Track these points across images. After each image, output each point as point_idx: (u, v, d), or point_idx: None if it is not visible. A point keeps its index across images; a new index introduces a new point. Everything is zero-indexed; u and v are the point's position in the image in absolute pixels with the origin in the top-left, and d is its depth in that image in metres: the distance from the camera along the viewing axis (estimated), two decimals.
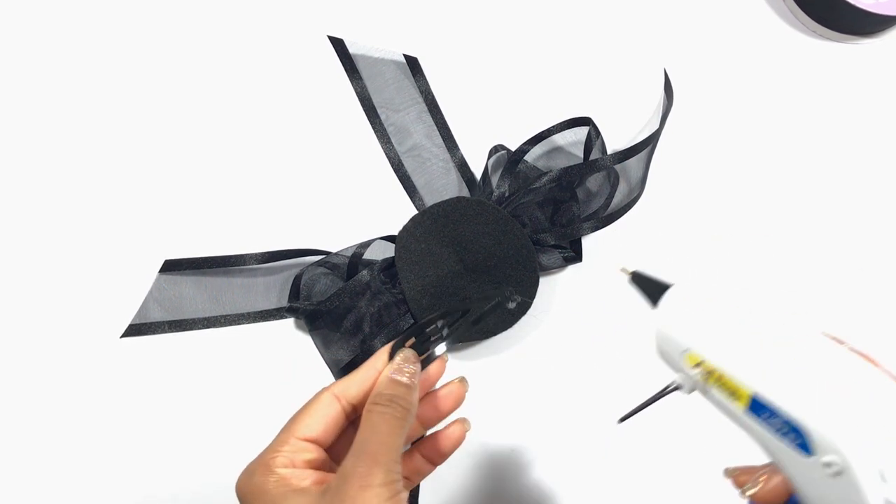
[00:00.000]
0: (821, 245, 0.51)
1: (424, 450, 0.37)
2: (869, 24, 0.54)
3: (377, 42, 0.54)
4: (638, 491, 0.47)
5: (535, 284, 0.46)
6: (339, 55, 0.54)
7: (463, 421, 0.38)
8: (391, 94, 0.53)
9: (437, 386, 0.38)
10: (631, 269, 0.33)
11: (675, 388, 0.31)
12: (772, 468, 0.31)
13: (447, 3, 0.56)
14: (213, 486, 0.47)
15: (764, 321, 0.28)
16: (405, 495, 0.31)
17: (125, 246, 0.50)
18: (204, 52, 0.54)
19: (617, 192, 0.49)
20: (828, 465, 0.24)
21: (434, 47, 0.54)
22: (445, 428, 0.37)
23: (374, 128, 0.53)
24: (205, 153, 0.52)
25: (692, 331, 0.30)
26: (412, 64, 0.53)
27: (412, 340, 0.35)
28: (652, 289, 0.32)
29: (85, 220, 0.51)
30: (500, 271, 0.46)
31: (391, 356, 0.35)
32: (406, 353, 0.34)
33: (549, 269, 0.50)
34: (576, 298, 0.50)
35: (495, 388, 0.48)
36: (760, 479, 0.31)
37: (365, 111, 0.53)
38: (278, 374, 0.48)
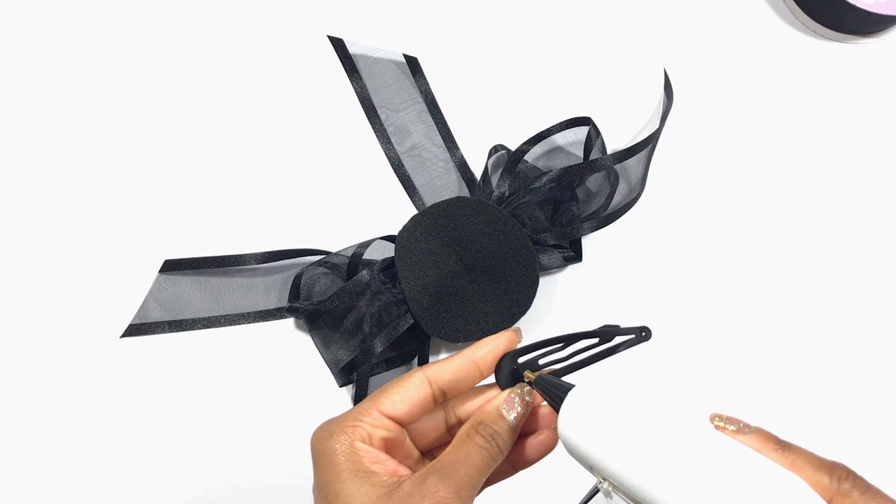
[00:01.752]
0: (820, 244, 0.51)
1: (511, 454, 0.35)
2: (869, 24, 0.54)
3: (377, 42, 0.54)
4: None
5: (535, 284, 0.46)
6: (339, 55, 0.54)
7: (555, 428, 0.35)
8: (391, 93, 0.53)
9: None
10: (534, 375, 0.32)
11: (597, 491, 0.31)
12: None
13: (447, 3, 0.56)
14: (213, 486, 0.47)
15: (660, 424, 0.28)
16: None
17: (125, 246, 0.50)
18: (204, 52, 0.54)
19: (617, 192, 0.49)
20: None
21: (434, 47, 0.54)
22: (537, 434, 0.35)
23: (374, 128, 0.53)
24: (205, 153, 0.52)
25: (592, 443, 0.29)
26: (412, 64, 0.53)
27: (534, 356, 0.34)
28: (555, 392, 0.31)
29: (85, 220, 0.51)
30: (500, 271, 0.46)
31: (501, 369, 0.33)
32: (524, 391, 0.33)
33: (549, 269, 0.50)
34: (576, 298, 0.50)
35: None
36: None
37: (365, 111, 0.53)
38: (278, 374, 0.48)
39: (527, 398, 0.33)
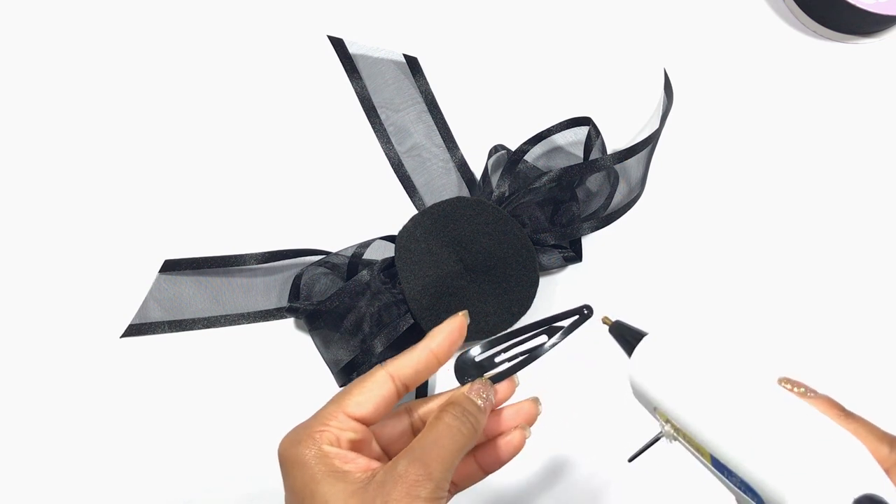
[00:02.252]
0: (820, 244, 0.51)
1: (480, 456, 0.36)
2: (869, 24, 0.54)
3: (377, 42, 0.54)
4: (641, 493, 0.47)
5: (535, 284, 0.46)
6: (339, 55, 0.54)
7: (523, 428, 0.37)
8: (391, 93, 0.53)
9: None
10: (613, 319, 0.34)
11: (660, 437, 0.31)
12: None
13: (447, 3, 0.56)
14: (213, 486, 0.47)
15: (728, 376, 0.29)
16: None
17: (125, 246, 0.50)
18: (204, 52, 0.54)
19: (617, 192, 0.49)
20: None
21: (434, 47, 0.54)
22: (505, 434, 0.36)
23: (374, 128, 0.53)
24: (205, 153, 0.52)
25: (661, 387, 0.30)
26: (412, 64, 0.53)
27: (489, 353, 0.36)
28: (629, 337, 0.33)
29: (85, 221, 0.51)
30: (500, 271, 0.46)
31: (459, 369, 0.35)
32: (483, 382, 0.34)
33: (549, 269, 0.50)
34: (576, 298, 0.50)
35: None
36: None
37: (365, 111, 0.53)
38: (278, 374, 0.48)
39: (487, 386, 0.34)
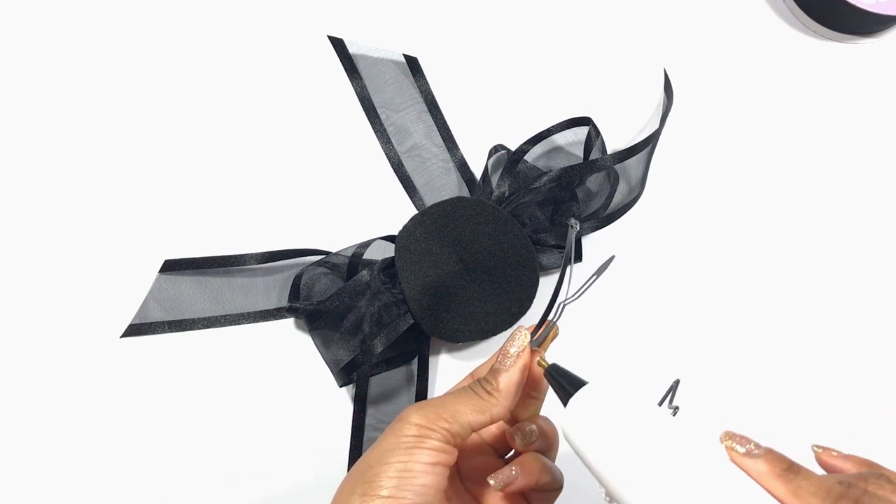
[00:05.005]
0: (821, 244, 0.51)
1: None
2: (869, 24, 0.54)
3: (377, 42, 0.54)
4: None
5: (535, 284, 0.46)
6: (339, 55, 0.54)
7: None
8: (391, 93, 0.53)
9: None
10: (548, 364, 0.32)
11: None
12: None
13: (447, 3, 0.56)
14: (214, 486, 0.47)
15: (667, 435, 0.27)
16: (426, 456, 0.30)
17: (125, 246, 0.50)
18: (204, 52, 0.54)
19: (617, 192, 0.49)
20: None
21: (434, 47, 0.54)
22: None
23: (374, 128, 0.53)
24: (205, 153, 0.52)
25: (594, 450, 0.29)
26: (412, 64, 0.53)
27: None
28: (565, 385, 0.31)
29: (85, 220, 0.51)
30: (500, 271, 0.46)
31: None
32: (513, 335, 0.34)
33: (549, 269, 0.50)
34: (573, 299, 0.50)
35: None
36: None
37: (365, 111, 0.53)
38: (278, 374, 0.48)
39: (517, 342, 0.34)
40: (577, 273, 0.50)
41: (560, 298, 0.34)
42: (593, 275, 0.34)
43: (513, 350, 0.33)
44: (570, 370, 0.32)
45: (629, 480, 0.27)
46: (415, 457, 0.30)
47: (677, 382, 0.31)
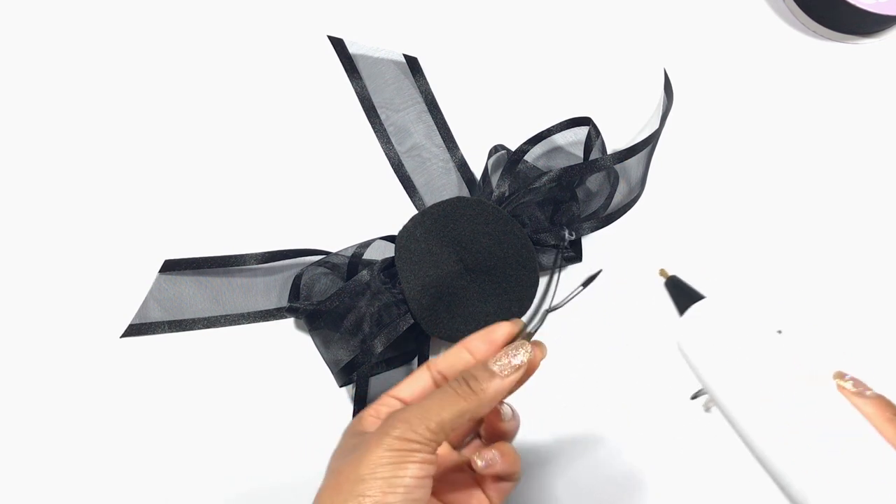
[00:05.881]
0: (820, 245, 0.51)
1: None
2: (869, 24, 0.54)
3: (377, 42, 0.54)
4: (645, 492, 0.47)
5: (535, 284, 0.46)
6: (339, 55, 0.54)
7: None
8: (391, 94, 0.53)
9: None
10: (669, 274, 0.32)
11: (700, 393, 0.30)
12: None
13: (447, 3, 0.56)
14: (213, 486, 0.47)
15: (779, 364, 0.27)
16: (416, 470, 0.30)
17: (125, 246, 0.50)
18: (204, 52, 0.54)
19: (617, 192, 0.49)
20: None
21: (434, 47, 0.54)
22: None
23: (374, 128, 0.53)
24: (205, 153, 0.52)
25: (706, 360, 0.29)
26: (412, 64, 0.53)
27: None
28: (682, 297, 0.31)
29: (85, 220, 0.51)
30: (500, 271, 0.46)
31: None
32: (514, 345, 0.33)
33: (549, 270, 0.50)
34: (576, 298, 0.50)
35: None
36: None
37: (365, 111, 0.53)
38: (278, 374, 0.48)
39: (519, 351, 0.33)
40: (577, 273, 0.50)
41: (544, 306, 0.35)
42: (579, 286, 0.35)
43: (516, 361, 0.33)
44: (687, 284, 0.32)
45: (738, 396, 0.27)
46: (407, 471, 0.30)
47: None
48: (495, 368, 0.33)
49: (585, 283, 0.35)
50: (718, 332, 0.29)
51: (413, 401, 0.35)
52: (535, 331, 0.35)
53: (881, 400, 0.27)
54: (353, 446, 0.32)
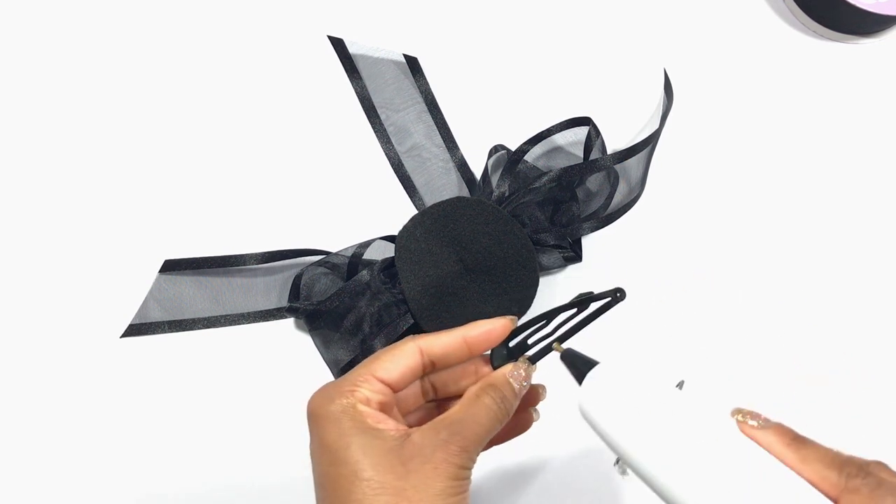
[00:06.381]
0: (820, 244, 0.51)
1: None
2: (869, 24, 0.54)
3: (377, 42, 0.54)
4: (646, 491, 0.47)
5: (535, 284, 0.46)
6: (339, 55, 0.54)
7: (534, 410, 0.39)
8: (391, 94, 0.53)
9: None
10: (564, 347, 0.34)
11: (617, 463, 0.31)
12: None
13: (447, 3, 0.56)
14: (213, 486, 0.47)
15: (680, 411, 0.29)
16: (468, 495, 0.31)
17: (125, 246, 0.50)
18: (204, 52, 0.54)
19: (617, 192, 0.49)
20: None
21: (434, 47, 0.54)
22: (517, 413, 0.37)
23: (374, 128, 0.53)
24: (205, 153, 0.52)
25: (610, 421, 0.30)
26: (412, 64, 0.53)
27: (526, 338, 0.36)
28: (580, 365, 0.33)
29: (85, 220, 0.51)
30: (500, 271, 0.46)
31: (508, 351, 0.36)
32: (526, 367, 0.35)
33: (549, 269, 0.50)
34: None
35: None
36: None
37: (365, 111, 0.53)
38: (278, 374, 0.48)
39: (529, 374, 0.35)
40: (577, 272, 0.50)
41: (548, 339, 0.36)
42: (595, 312, 0.35)
43: (527, 383, 0.35)
44: (582, 352, 0.33)
45: (645, 450, 0.28)
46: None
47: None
48: (516, 388, 0.34)
49: (602, 308, 0.35)
50: (618, 394, 0.30)
51: (397, 384, 0.34)
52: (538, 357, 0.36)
53: (779, 428, 0.28)
54: (378, 450, 0.31)
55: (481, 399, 0.33)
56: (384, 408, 0.33)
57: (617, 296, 0.34)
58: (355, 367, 0.34)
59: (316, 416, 0.32)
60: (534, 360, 0.35)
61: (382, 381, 0.33)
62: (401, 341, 0.35)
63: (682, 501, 0.27)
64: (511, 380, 0.34)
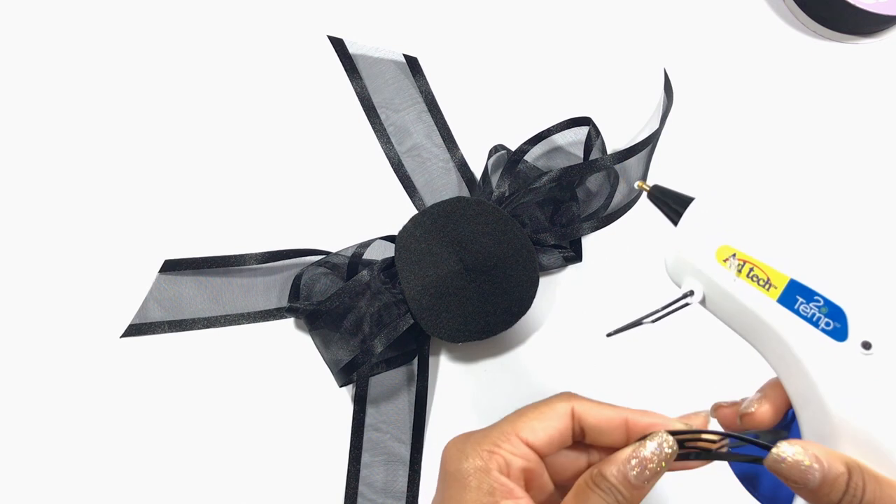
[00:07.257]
0: (819, 244, 0.51)
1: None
2: (869, 24, 0.54)
3: (377, 42, 0.54)
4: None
5: (535, 284, 0.46)
6: (339, 55, 0.54)
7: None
8: (391, 93, 0.53)
9: None
10: (650, 184, 0.31)
11: (684, 300, 0.29)
12: (759, 395, 0.29)
13: (447, 3, 0.56)
14: (213, 486, 0.47)
15: (794, 220, 0.28)
16: None
17: (125, 246, 0.50)
18: (204, 52, 0.54)
19: (617, 192, 0.49)
20: (866, 344, 0.25)
21: (434, 47, 0.54)
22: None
23: (374, 128, 0.53)
24: (205, 153, 0.52)
25: (723, 229, 0.28)
26: (412, 64, 0.53)
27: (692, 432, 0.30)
28: (673, 204, 0.30)
29: (85, 220, 0.51)
30: (500, 271, 0.46)
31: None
32: (659, 443, 0.29)
33: (549, 269, 0.50)
34: (576, 298, 0.50)
35: (495, 389, 0.48)
36: (755, 403, 0.29)
37: (365, 111, 0.53)
38: (278, 374, 0.48)
39: (662, 463, 0.28)
40: (577, 272, 0.50)
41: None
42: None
43: (653, 466, 0.28)
44: (671, 190, 0.31)
45: (776, 242, 0.27)
46: None
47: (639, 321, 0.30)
48: (634, 479, 0.28)
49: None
50: (725, 215, 0.29)
51: (543, 449, 0.30)
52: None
53: None
54: None
55: (591, 491, 0.28)
56: (528, 476, 0.30)
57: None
58: (501, 422, 0.30)
59: (447, 471, 0.29)
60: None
61: (528, 444, 0.29)
62: (555, 396, 0.31)
63: (817, 283, 0.26)
64: (632, 471, 0.28)
